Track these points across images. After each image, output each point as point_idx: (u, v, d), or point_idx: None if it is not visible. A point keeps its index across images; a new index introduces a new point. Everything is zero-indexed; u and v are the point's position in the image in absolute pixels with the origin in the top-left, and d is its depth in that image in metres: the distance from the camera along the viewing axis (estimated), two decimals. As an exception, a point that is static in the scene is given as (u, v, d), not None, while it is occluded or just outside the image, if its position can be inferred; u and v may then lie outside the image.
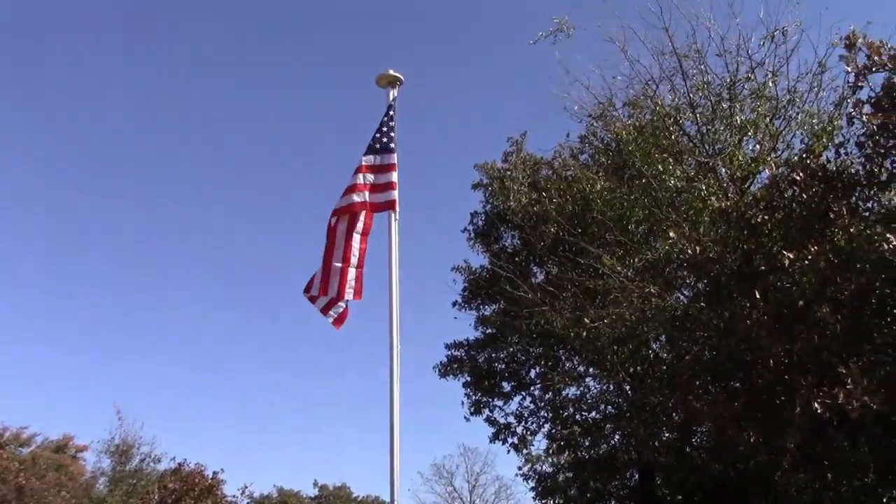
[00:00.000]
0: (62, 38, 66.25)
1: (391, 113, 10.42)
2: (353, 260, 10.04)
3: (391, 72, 10.45)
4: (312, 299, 10.25)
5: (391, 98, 10.45)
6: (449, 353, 20.42)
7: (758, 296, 9.37)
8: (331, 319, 10.23)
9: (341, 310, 10.23)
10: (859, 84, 9.28)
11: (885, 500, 9.07)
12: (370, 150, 10.28)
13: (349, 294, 10.02)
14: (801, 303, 9.15)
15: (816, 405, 8.22)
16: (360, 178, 10.16)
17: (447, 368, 20.21)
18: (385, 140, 10.35)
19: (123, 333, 57.51)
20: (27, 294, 59.54)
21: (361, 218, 10.10)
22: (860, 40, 9.11)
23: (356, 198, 10.08)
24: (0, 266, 57.23)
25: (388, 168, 10.20)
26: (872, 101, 9.19)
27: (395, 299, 9.63)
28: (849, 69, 9.36)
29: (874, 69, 9.05)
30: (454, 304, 20.32)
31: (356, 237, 10.07)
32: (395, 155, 10.26)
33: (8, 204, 58.87)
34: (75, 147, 66.22)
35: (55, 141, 65.80)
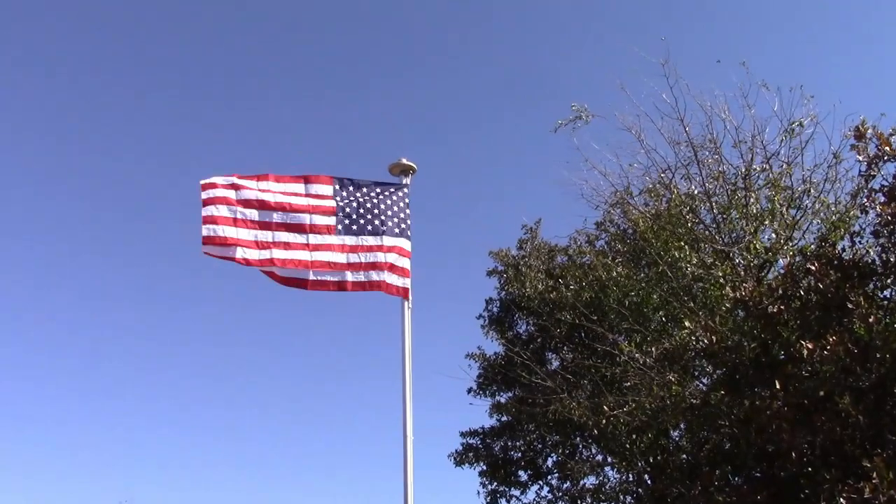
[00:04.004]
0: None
1: (406, 200, 10.25)
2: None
3: (404, 160, 10.33)
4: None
5: (404, 183, 10.31)
6: (464, 441, 20.11)
7: (777, 385, 9.24)
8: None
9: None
10: (871, 174, 9.38)
11: None
12: (377, 230, 9.93)
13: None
14: (821, 393, 9.00)
15: (842, 500, 8.00)
16: (378, 257, 9.78)
17: (462, 457, 19.86)
18: (402, 226, 10.07)
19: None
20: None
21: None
22: (870, 131, 9.25)
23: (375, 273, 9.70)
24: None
25: (403, 253, 9.94)
26: (886, 190, 9.25)
27: (408, 388, 9.35)
28: (860, 159, 9.48)
29: (885, 159, 9.16)
30: (469, 390, 20.11)
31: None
32: (410, 243, 10.04)
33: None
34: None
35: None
